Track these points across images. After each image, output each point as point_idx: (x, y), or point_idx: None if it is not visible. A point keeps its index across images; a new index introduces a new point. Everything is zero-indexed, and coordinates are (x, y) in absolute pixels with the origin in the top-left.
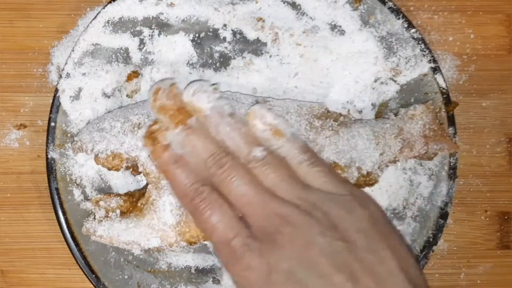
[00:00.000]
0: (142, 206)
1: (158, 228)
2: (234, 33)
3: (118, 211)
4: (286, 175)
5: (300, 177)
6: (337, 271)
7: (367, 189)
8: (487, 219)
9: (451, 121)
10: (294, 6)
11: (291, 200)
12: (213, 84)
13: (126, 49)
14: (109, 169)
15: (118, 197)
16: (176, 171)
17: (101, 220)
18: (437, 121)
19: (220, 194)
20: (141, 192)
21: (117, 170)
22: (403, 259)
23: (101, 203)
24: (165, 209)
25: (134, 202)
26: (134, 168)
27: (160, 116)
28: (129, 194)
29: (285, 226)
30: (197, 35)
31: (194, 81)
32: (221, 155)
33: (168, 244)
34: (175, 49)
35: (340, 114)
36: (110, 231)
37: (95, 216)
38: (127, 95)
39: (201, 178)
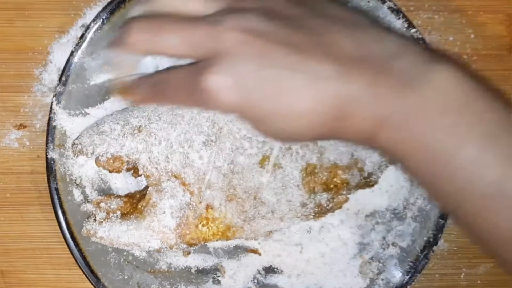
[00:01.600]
0: (142, 208)
1: (158, 230)
2: None
3: (118, 213)
4: None
5: None
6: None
7: (367, 190)
8: None
9: None
10: None
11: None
12: None
13: None
14: (110, 171)
15: (119, 199)
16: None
17: (102, 222)
18: None
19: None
20: (142, 194)
21: (118, 172)
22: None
23: (102, 204)
24: (166, 211)
25: (134, 204)
26: (135, 170)
27: None
28: (129, 196)
29: (228, 35)
30: None
31: None
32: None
33: (168, 246)
34: None
35: None
36: (111, 232)
37: (95, 217)
38: None
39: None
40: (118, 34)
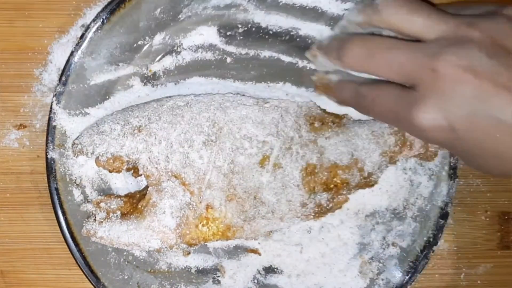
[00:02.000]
0: (142, 208)
1: (159, 230)
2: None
3: (118, 213)
4: (424, 7)
5: None
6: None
7: (367, 190)
8: (487, 219)
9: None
10: None
11: (437, 35)
12: None
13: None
14: (110, 171)
15: (119, 198)
16: (342, 91)
17: (102, 222)
18: None
19: None
20: (142, 193)
21: (118, 172)
22: None
23: (102, 204)
24: (166, 211)
25: (134, 204)
26: (135, 170)
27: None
28: (129, 196)
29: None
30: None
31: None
32: (345, 38)
33: (168, 246)
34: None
35: (339, 115)
36: (111, 232)
37: (95, 217)
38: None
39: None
40: (334, 44)
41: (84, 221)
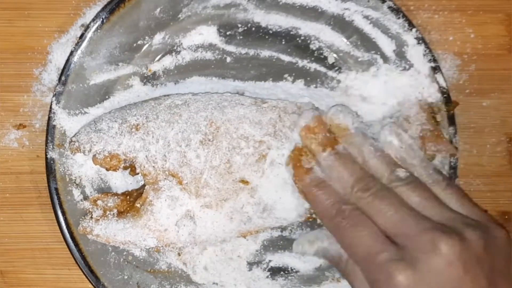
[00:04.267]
0: (139, 206)
1: (155, 229)
2: None
3: (115, 211)
4: (428, 195)
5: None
6: None
7: None
8: None
9: (452, 120)
10: None
11: (440, 221)
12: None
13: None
14: (107, 169)
15: (116, 196)
16: (318, 193)
17: (98, 219)
18: (433, 121)
19: (363, 214)
20: (139, 192)
21: (115, 170)
22: None
23: (99, 202)
24: (162, 210)
25: (131, 202)
26: (132, 169)
27: (306, 142)
28: (126, 193)
29: (442, 245)
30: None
31: (335, 105)
32: (368, 179)
33: (164, 245)
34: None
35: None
36: (107, 230)
37: (91, 215)
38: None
39: (344, 199)
40: (354, 180)
41: (81, 219)
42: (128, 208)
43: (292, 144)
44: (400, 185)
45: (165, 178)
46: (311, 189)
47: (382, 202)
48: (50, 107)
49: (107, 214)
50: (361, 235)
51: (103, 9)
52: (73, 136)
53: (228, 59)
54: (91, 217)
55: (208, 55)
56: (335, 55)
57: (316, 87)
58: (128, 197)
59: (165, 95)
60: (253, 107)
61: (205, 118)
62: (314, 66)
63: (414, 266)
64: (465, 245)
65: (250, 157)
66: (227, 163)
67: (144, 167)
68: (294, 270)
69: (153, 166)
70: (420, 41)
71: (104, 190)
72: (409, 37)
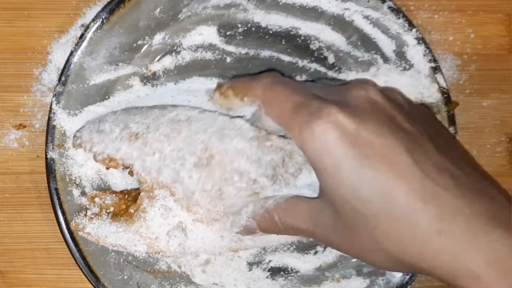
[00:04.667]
0: (133, 212)
1: (146, 236)
2: None
3: (111, 209)
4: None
5: None
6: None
7: None
8: None
9: (452, 121)
10: None
11: None
12: None
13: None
14: (107, 168)
15: (114, 194)
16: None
17: (92, 218)
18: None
19: None
20: (137, 192)
21: (115, 168)
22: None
23: (97, 199)
24: (155, 219)
25: (129, 201)
26: (131, 171)
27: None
28: (124, 192)
29: (366, 89)
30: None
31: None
32: None
33: (154, 252)
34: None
35: None
36: (99, 230)
37: (86, 212)
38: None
39: None
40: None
41: (75, 214)
42: (125, 208)
43: (292, 191)
44: None
45: (160, 187)
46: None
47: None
48: (50, 107)
49: (102, 213)
50: (292, 94)
51: (103, 9)
52: (77, 131)
53: (228, 59)
54: (85, 214)
55: (208, 55)
56: (335, 55)
57: None
58: (126, 196)
59: (172, 105)
60: (254, 143)
61: (202, 141)
62: (314, 66)
63: (341, 104)
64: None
65: (243, 191)
66: (219, 191)
67: (141, 175)
68: (294, 270)
69: (149, 176)
70: (420, 41)
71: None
72: (409, 37)
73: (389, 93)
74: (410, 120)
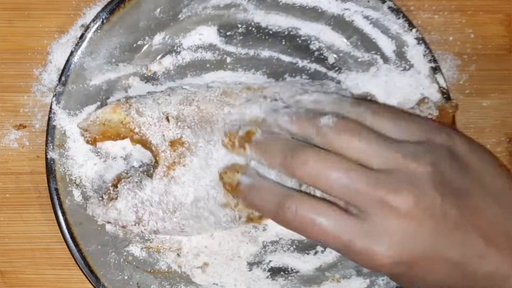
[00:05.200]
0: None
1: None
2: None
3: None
4: (360, 134)
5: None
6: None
7: None
8: None
9: (452, 120)
10: None
11: (384, 167)
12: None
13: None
14: (113, 136)
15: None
16: (254, 198)
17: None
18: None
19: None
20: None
21: (118, 137)
22: None
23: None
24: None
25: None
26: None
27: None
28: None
29: (400, 208)
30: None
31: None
32: (294, 146)
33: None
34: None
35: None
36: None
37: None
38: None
39: (280, 192)
40: (283, 155)
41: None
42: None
43: None
44: (333, 135)
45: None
46: (247, 199)
47: (322, 167)
48: (50, 108)
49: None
50: (321, 221)
51: (103, 10)
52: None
53: (228, 59)
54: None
55: (208, 55)
56: (335, 56)
57: None
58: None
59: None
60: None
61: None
62: (314, 66)
63: (371, 236)
64: (416, 190)
65: None
66: None
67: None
68: (294, 271)
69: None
70: (420, 42)
71: (104, 190)
72: (409, 37)
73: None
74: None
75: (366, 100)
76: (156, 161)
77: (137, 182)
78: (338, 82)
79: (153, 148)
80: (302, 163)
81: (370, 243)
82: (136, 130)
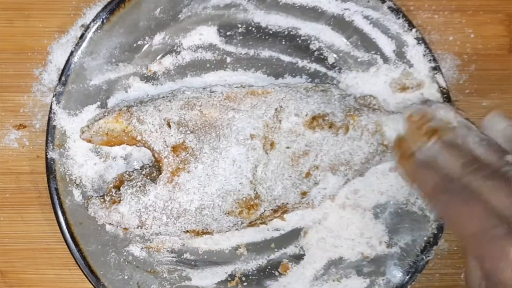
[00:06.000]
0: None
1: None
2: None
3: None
4: None
5: None
6: None
7: (367, 190)
8: None
9: None
10: None
11: None
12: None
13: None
14: (115, 142)
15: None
16: (424, 172)
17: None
18: None
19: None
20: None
21: (121, 142)
22: None
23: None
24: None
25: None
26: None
27: (411, 131)
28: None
29: None
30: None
31: (436, 102)
32: (478, 163)
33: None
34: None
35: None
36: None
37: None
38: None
39: (452, 178)
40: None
41: (91, 202)
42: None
43: None
44: (511, 170)
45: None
46: (417, 169)
47: (494, 182)
48: (50, 107)
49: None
50: (473, 210)
51: (103, 10)
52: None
53: (228, 59)
54: (104, 201)
55: (208, 55)
56: (335, 55)
57: None
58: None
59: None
60: None
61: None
62: (314, 66)
63: None
64: None
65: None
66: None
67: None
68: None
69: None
70: (420, 41)
71: (105, 190)
72: (409, 37)
73: None
74: None
75: None
76: (160, 167)
77: (140, 186)
78: (338, 82)
79: (156, 155)
80: (478, 175)
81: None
82: (138, 138)
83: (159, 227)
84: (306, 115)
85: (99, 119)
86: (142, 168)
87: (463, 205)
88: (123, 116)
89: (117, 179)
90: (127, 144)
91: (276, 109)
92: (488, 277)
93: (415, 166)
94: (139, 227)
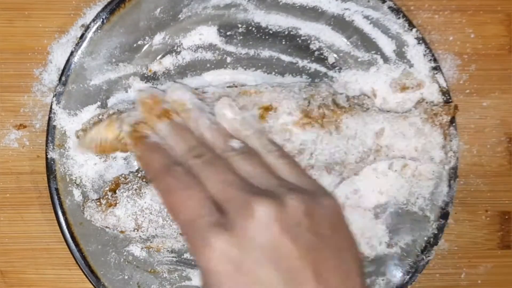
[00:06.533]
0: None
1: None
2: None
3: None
4: (259, 164)
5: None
6: (304, 266)
7: (367, 189)
8: (488, 219)
9: (452, 121)
10: None
11: (267, 188)
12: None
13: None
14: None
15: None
16: (152, 154)
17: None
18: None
19: (195, 179)
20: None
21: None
22: (360, 263)
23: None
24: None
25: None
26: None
27: (144, 115)
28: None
29: (258, 208)
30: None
31: (173, 83)
32: (202, 147)
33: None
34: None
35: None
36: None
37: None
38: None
39: (177, 161)
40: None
41: (87, 205)
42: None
43: None
44: (233, 155)
45: None
46: (145, 152)
47: (212, 168)
48: (51, 107)
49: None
50: (188, 199)
51: (103, 9)
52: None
53: (228, 59)
54: (100, 204)
55: (208, 55)
56: (335, 55)
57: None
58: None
59: None
60: None
61: None
62: (314, 66)
63: (231, 231)
64: (282, 208)
65: None
66: None
67: None
68: None
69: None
70: (420, 41)
71: (102, 194)
72: (409, 37)
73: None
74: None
75: (277, 144)
76: None
77: (136, 189)
78: (338, 82)
79: None
80: (199, 160)
81: (214, 228)
82: None
83: (156, 229)
84: (299, 114)
85: (92, 125)
86: (137, 170)
87: (183, 191)
88: (114, 124)
89: (113, 182)
90: (121, 151)
91: (268, 108)
92: (199, 266)
93: (145, 148)
94: (136, 230)
